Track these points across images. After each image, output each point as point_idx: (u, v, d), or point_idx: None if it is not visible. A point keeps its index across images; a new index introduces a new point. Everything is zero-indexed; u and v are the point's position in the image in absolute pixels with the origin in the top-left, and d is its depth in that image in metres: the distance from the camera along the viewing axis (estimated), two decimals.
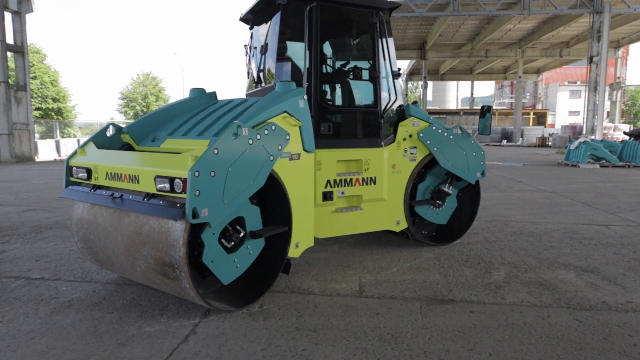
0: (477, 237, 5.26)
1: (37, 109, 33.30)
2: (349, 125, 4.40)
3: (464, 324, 2.92)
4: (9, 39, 16.21)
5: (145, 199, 2.94)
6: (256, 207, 3.39)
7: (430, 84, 49.56)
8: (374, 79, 4.30)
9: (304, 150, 3.64)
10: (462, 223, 5.16)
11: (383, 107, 4.36)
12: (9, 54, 16.50)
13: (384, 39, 4.33)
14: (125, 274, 3.40)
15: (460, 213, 5.19)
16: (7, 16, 16.19)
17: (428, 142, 4.58)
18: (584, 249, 4.76)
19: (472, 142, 4.88)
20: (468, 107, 53.69)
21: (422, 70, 36.96)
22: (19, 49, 16.56)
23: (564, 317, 3.02)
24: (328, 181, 4.09)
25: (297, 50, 4.14)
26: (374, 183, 4.36)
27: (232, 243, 3.22)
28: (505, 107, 58.09)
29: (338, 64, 4.48)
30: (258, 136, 3.12)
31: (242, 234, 3.29)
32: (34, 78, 32.40)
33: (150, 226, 2.94)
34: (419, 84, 47.00)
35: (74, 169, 3.54)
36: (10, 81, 16.17)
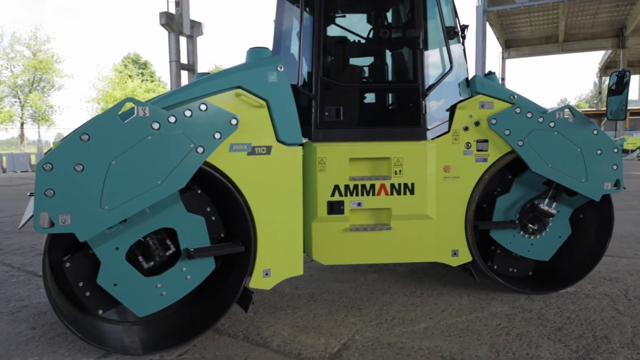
0: (607, 287, 3.27)
1: None
2: (370, 109, 3.11)
3: None
4: (183, 59, 18.95)
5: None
6: (198, 217, 2.51)
7: (635, 78, 39.90)
8: (412, 41, 2.94)
9: (279, 141, 2.61)
10: (580, 261, 3.28)
11: (428, 82, 2.96)
12: (183, 72, 19.28)
13: None
14: None
15: (579, 245, 3.31)
16: (182, 40, 18.94)
17: (507, 132, 2.96)
18: None
19: (595, 132, 3.01)
20: None
21: (619, 62, 29.84)
22: (190, 67, 19.18)
23: None
24: (336, 187, 2.91)
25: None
26: (411, 192, 2.97)
27: (152, 263, 2.41)
28: None
29: (355, 22, 3.24)
30: (172, 118, 2.24)
31: (169, 252, 2.45)
32: None
33: None
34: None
35: None
36: None
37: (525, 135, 2.95)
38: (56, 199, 1.99)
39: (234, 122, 2.40)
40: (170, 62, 18.30)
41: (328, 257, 3.00)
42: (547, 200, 3.13)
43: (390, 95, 3.11)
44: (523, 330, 2.56)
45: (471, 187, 3.04)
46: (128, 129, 2.13)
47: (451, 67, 2.96)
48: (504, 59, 30.99)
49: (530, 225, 3.14)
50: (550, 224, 3.20)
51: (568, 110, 3.02)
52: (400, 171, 2.95)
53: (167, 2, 17.72)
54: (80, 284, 2.32)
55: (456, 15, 3.15)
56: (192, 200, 2.55)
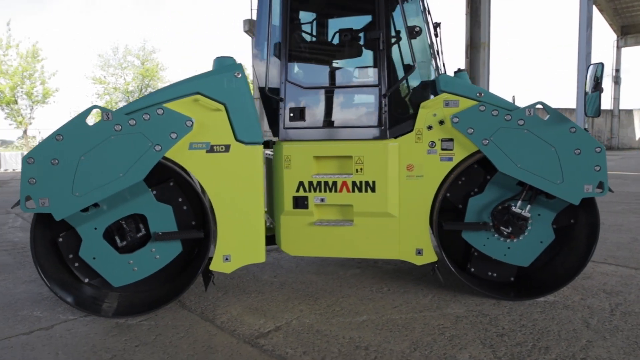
0: (598, 300, 2.98)
1: None
2: (334, 110, 3.24)
3: None
4: None
5: None
6: (166, 205, 2.92)
7: None
8: (374, 42, 3.02)
9: (238, 140, 2.91)
10: (568, 268, 3.05)
11: (389, 83, 3.01)
12: None
13: None
14: None
15: (569, 252, 3.09)
16: None
17: (470, 131, 2.89)
18: None
19: (572, 130, 2.79)
20: None
21: None
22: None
23: None
24: (301, 183, 3.13)
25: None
26: (372, 190, 3.06)
27: (124, 243, 2.87)
28: None
29: (321, 25, 3.37)
30: (132, 122, 2.66)
31: (140, 234, 2.90)
32: None
33: None
34: None
35: None
36: None
37: (491, 133, 2.85)
38: (37, 186, 2.54)
39: (189, 123, 2.76)
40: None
41: (295, 249, 3.22)
42: (519, 202, 2.97)
43: (352, 95, 3.20)
44: (460, 333, 2.53)
45: (435, 186, 3.02)
46: (94, 130, 2.60)
47: (413, 67, 2.98)
48: (618, 47, 27.31)
49: (503, 228, 3.01)
50: (529, 228, 3.03)
51: (540, 107, 2.84)
52: (361, 169, 3.05)
53: (251, 9, 18.94)
54: (70, 256, 2.88)
55: (427, 13, 3.14)
56: (165, 192, 2.97)
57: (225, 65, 2.93)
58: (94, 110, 2.66)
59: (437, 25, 3.19)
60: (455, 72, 3.14)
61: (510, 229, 3.00)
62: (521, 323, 2.65)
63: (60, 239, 2.85)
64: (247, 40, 19.99)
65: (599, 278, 3.44)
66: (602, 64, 2.83)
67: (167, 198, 2.97)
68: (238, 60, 2.99)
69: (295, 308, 2.93)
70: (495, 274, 3.19)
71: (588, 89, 2.85)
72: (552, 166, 2.81)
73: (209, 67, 3.05)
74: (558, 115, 2.82)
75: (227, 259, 2.98)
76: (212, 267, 2.95)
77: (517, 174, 2.85)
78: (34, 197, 2.55)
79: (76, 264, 2.90)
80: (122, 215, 2.84)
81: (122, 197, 2.81)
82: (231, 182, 2.93)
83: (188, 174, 2.89)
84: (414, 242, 3.09)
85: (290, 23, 3.12)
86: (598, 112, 2.85)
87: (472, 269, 3.20)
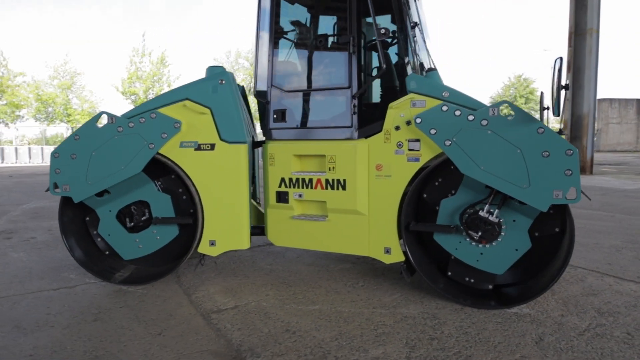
0: (577, 318, 2.69)
1: None
2: (309, 111, 3.40)
3: None
4: None
5: None
6: (166, 195, 3.44)
7: None
8: (344, 46, 3.13)
9: (222, 140, 3.30)
10: (547, 280, 2.83)
11: (359, 84, 3.10)
12: None
13: None
14: None
15: (551, 262, 2.86)
16: None
17: (432, 131, 2.85)
18: None
19: (540, 131, 2.59)
20: None
21: None
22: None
23: None
24: (282, 179, 3.41)
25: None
26: (343, 188, 3.20)
27: (132, 224, 3.46)
28: None
29: (301, 33, 3.51)
30: (131, 124, 3.21)
31: (144, 218, 3.46)
32: None
33: None
34: None
35: None
36: None
37: (453, 134, 2.78)
38: (61, 175, 3.24)
39: (177, 125, 3.22)
40: None
41: (278, 240, 3.51)
42: (487, 206, 2.83)
43: (327, 98, 3.34)
44: (393, 331, 2.56)
45: (402, 186, 3.04)
46: (102, 131, 3.22)
47: (382, 69, 3.03)
48: None
49: (472, 232, 2.90)
50: (503, 234, 2.87)
51: (506, 107, 2.67)
52: (333, 168, 3.21)
53: None
54: (94, 232, 3.57)
55: (404, 13, 3.13)
56: (167, 183, 3.50)
57: (214, 74, 3.33)
58: (103, 115, 3.28)
59: (414, 26, 3.16)
60: (425, 72, 3.07)
61: (480, 233, 2.88)
62: (466, 330, 2.56)
63: (87, 218, 3.56)
64: None
65: (607, 296, 3.06)
66: (560, 58, 2.54)
67: (169, 188, 3.48)
68: None
69: (263, 292, 3.23)
70: (472, 280, 3.08)
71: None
72: (517, 169, 2.64)
73: None
74: (524, 116, 2.63)
75: (212, 244, 3.40)
76: (199, 250, 3.39)
77: (480, 177, 2.74)
78: (59, 183, 3.27)
79: (98, 239, 3.59)
80: (131, 201, 3.44)
81: (130, 186, 3.40)
82: (216, 177, 3.32)
83: (180, 168, 3.36)
84: (382, 240, 3.14)
85: (275, 30, 3.39)
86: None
87: (449, 273, 3.13)
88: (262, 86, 3.47)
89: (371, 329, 2.59)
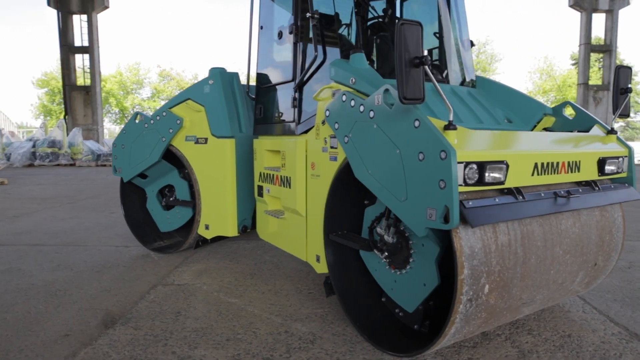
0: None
1: None
2: (274, 107, 3.27)
3: None
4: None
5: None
6: (184, 181, 4.03)
7: None
8: (288, 37, 2.95)
9: (213, 135, 3.65)
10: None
11: (298, 76, 2.88)
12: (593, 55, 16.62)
13: None
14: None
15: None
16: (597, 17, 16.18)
17: (336, 126, 2.44)
18: None
19: (416, 124, 1.90)
20: None
21: None
22: (607, 48, 16.12)
23: None
24: (260, 174, 3.51)
25: None
26: (289, 186, 3.07)
27: (164, 203, 4.19)
28: None
29: (267, 30, 3.30)
30: (152, 121, 3.90)
31: (172, 198, 4.15)
32: None
33: None
34: None
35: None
36: (589, 82, 16.19)
37: (349, 129, 2.32)
38: (117, 160, 4.24)
39: (178, 122, 3.74)
40: (579, 45, 16.50)
41: (260, 233, 3.62)
42: (384, 220, 2.23)
43: (283, 92, 3.16)
44: (261, 339, 2.39)
45: (327, 188, 2.70)
46: (136, 127, 4.04)
47: (318, 58, 2.76)
48: None
49: (377, 252, 2.35)
50: (412, 260, 2.23)
51: (387, 93, 2.04)
52: (284, 165, 3.12)
53: None
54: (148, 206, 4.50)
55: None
56: (185, 172, 4.09)
57: (210, 75, 3.69)
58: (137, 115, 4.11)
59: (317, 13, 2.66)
60: (350, 53, 2.52)
61: (386, 254, 2.30)
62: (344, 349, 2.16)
63: (147, 196, 4.53)
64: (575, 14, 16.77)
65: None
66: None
67: (186, 177, 4.07)
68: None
69: (220, 277, 3.43)
70: (402, 313, 2.46)
71: None
72: (396, 175, 2.01)
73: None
74: (401, 107, 1.96)
75: (207, 228, 3.80)
76: (199, 232, 3.85)
77: (368, 182, 2.20)
78: (116, 167, 4.29)
79: (149, 212, 4.51)
80: (164, 184, 4.18)
81: (163, 172, 4.15)
82: (209, 168, 3.70)
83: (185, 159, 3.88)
84: (315, 246, 2.87)
85: (253, 27, 3.48)
86: None
87: (383, 299, 2.59)
88: (252, 83, 3.62)
89: (243, 332, 2.49)
